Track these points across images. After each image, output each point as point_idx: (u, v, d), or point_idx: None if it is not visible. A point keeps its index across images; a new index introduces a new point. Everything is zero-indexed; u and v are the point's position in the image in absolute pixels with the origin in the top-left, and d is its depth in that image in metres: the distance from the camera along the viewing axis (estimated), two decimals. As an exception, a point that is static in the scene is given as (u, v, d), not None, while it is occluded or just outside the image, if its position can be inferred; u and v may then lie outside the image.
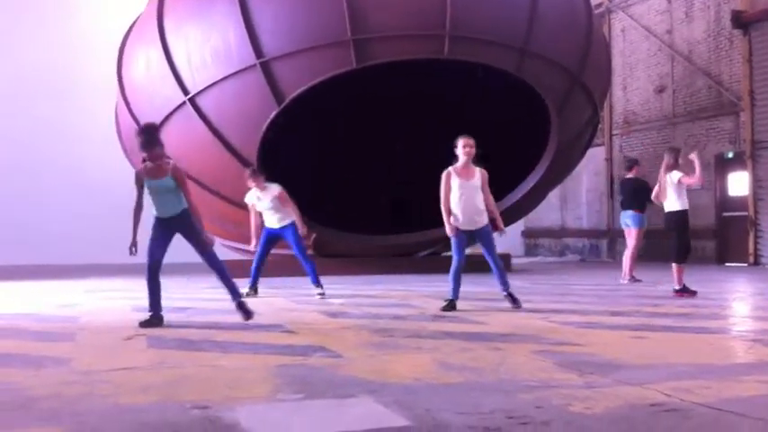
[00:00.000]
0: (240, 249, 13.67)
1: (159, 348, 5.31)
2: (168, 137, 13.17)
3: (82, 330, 6.38)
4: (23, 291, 11.11)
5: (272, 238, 9.87)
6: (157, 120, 13.05)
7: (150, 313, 6.68)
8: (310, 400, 3.65)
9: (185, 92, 12.58)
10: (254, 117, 12.29)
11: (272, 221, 9.72)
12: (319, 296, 9.27)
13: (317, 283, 9.49)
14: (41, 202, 19.70)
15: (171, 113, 12.85)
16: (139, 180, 6.84)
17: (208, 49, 12.33)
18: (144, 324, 6.52)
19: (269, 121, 12.10)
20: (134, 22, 14.62)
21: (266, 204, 9.66)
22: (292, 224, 9.64)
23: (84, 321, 7.07)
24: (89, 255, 18.88)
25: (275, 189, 9.72)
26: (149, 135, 6.76)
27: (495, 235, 7.93)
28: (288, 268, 12.77)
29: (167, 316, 7.33)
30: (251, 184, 9.73)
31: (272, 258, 10.61)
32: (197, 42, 12.44)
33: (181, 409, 3.47)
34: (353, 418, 3.33)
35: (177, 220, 6.83)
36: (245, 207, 10.09)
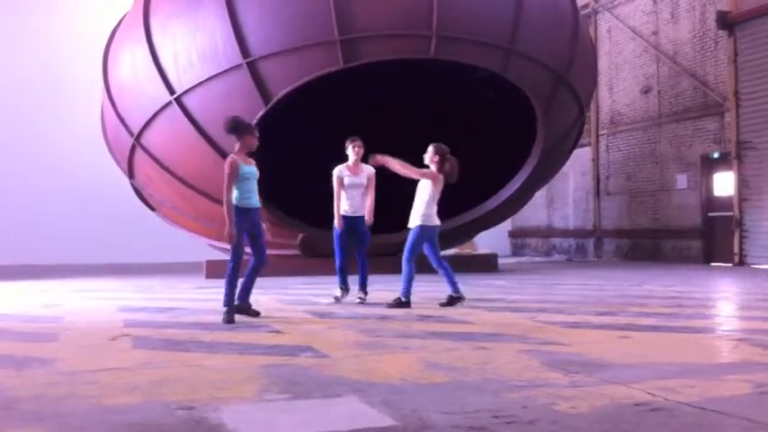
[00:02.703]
0: (226, 249, 13.59)
1: (145, 349, 5.28)
2: (154, 136, 13.28)
3: (66, 330, 6.34)
4: (8, 291, 11.03)
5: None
6: (143, 120, 13.07)
7: (227, 307, 6.82)
8: (297, 399, 3.65)
9: (171, 91, 12.52)
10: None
11: (356, 206, 8.82)
12: (359, 300, 8.80)
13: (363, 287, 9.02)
14: (30, 203, 19.57)
15: (157, 113, 12.80)
16: (235, 167, 6.86)
17: (194, 48, 12.28)
18: (226, 320, 6.71)
19: (255, 120, 12.06)
20: (120, 22, 14.55)
21: (360, 182, 8.80)
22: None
23: (69, 321, 7.02)
24: (77, 255, 18.80)
25: (370, 169, 8.82)
26: (237, 124, 7.03)
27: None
28: (274, 268, 12.72)
29: (154, 316, 7.32)
30: (358, 152, 8.75)
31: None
32: (183, 42, 12.39)
33: (166, 409, 3.45)
34: (340, 417, 3.32)
35: (258, 211, 6.96)
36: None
